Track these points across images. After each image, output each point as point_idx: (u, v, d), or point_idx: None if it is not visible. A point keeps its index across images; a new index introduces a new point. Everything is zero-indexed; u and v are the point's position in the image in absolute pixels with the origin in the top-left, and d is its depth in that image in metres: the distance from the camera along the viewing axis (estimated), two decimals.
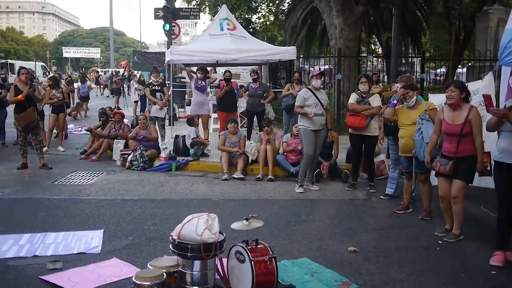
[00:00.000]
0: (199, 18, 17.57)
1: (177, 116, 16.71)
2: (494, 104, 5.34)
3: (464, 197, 5.49)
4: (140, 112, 16.63)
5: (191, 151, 9.94)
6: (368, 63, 18.12)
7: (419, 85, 11.48)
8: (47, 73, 33.66)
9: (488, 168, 5.34)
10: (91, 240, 5.42)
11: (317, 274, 4.53)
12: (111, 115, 11.26)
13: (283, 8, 27.13)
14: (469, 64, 21.61)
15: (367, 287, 4.31)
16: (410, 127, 6.39)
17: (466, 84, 5.90)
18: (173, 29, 16.22)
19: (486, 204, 6.85)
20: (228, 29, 12.35)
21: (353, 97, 7.86)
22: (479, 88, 6.26)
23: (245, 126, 12.42)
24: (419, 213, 6.49)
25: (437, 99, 7.21)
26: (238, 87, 11.14)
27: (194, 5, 22.00)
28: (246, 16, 29.30)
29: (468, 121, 5.30)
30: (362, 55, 19.17)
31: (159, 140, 10.52)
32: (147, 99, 11.71)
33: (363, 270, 4.68)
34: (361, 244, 5.40)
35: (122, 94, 22.70)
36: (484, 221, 6.25)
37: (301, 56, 18.53)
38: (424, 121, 6.12)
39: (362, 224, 6.18)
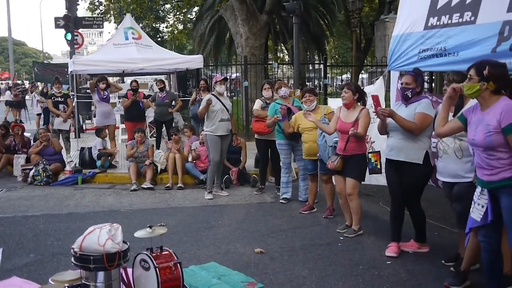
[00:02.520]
0: (102, 27, 17.19)
1: (84, 128, 16.18)
2: (383, 105, 5.76)
3: (359, 193, 5.87)
4: (44, 125, 15.89)
5: (98, 163, 9.71)
6: (278, 70, 18.60)
7: (321, 90, 12.01)
8: None
9: (378, 166, 5.73)
10: None
11: (224, 277, 4.62)
12: (11, 129, 10.69)
13: (191, 17, 27.16)
14: (371, 70, 22.81)
15: (272, 285, 4.47)
16: (312, 131, 6.67)
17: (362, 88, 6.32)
18: (76, 39, 15.74)
19: (384, 200, 7.30)
20: (133, 38, 12.24)
21: (257, 103, 8.08)
22: (370, 91, 6.67)
23: (154, 136, 12.31)
24: (323, 212, 6.79)
25: (336, 103, 7.60)
26: (142, 100, 10.98)
27: (98, 14, 21.42)
28: (154, 25, 29.01)
29: (357, 120, 5.70)
30: (269, 62, 19.63)
31: (64, 153, 10.16)
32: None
33: (269, 269, 4.85)
34: (268, 245, 5.58)
35: (23, 107, 21.57)
36: (382, 216, 6.62)
37: (211, 64, 18.69)
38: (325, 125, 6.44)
39: (269, 226, 6.37)
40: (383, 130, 5.30)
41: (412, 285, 4.46)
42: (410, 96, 5.09)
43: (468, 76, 3.76)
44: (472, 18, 5.43)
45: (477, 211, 3.77)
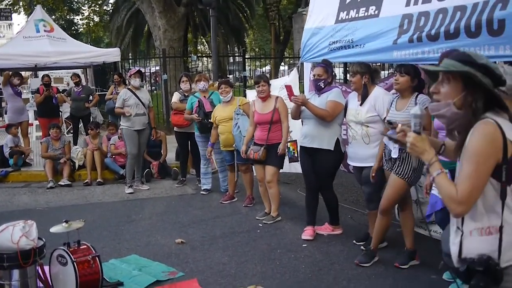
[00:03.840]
0: (11, 19, 16.38)
1: None
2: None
3: (279, 182, 6.07)
4: None
5: (11, 161, 9.30)
6: (198, 63, 18.55)
7: (241, 82, 12.14)
8: None
9: (296, 155, 5.96)
10: None
11: (145, 268, 4.67)
12: None
13: (107, 9, 26.42)
14: (291, 62, 23.31)
15: (193, 273, 4.57)
16: (227, 122, 6.78)
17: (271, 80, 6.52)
18: None
19: (301, 187, 7.55)
20: (45, 31, 11.75)
21: (176, 96, 8.09)
22: (285, 82, 6.89)
23: (71, 131, 11.95)
24: (243, 202, 6.95)
25: (254, 94, 7.76)
26: (55, 96, 10.58)
27: (6, 5, 20.31)
28: (68, 17, 27.95)
29: (276, 109, 5.90)
30: (189, 55, 19.56)
31: None
32: None
33: (190, 258, 4.94)
34: (189, 235, 5.67)
35: None
36: (299, 202, 6.86)
37: (130, 57, 18.34)
38: (240, 116, 6.60)
39: (190, 217, 6.44)
40: (296, 115, 5.53)
41: (325, 265, 4.72)
42: (323, 86, 5.33)
43: None
44: (376, 12, 5.76)
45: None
